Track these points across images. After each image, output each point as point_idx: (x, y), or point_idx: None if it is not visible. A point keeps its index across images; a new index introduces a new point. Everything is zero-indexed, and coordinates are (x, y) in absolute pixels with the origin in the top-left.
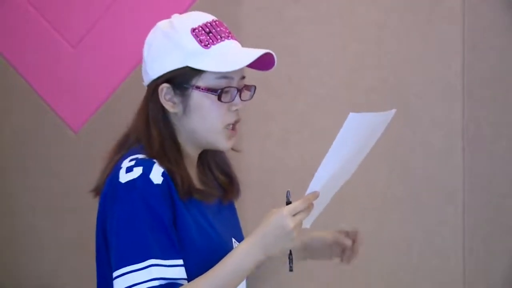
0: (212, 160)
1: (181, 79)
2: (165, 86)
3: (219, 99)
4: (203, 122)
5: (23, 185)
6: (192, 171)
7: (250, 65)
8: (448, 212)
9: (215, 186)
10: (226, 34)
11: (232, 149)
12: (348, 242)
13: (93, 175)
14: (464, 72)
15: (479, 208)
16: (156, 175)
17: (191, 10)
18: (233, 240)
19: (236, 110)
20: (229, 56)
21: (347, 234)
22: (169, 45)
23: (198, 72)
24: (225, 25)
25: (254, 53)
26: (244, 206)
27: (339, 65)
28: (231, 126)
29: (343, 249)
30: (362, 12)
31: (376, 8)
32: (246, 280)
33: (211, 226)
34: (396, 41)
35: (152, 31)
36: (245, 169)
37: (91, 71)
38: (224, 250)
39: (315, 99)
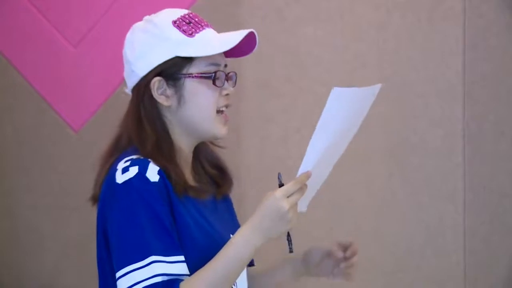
0: (202, 157)
1: (172, 69)
2: (157, 80)
3: (214, 83)
4: (198, 110)
5: (23, 184)
6: (187, 169)
7: (233, 53)
8: (449, 211)
9: (208, 182)
10: (205, 23)
11: (223, 147)
12: (339, 254)
13: (94, 174)
14: (465, 71)
15: (479, 208)
16: (152, 173)
17: (191, 10)
18: (231, 235)
19: (227, 94)
20: (215, 41)
21: (340, 246)
22: (154, 40)
23: (188, 60)
24: (200, 16)
25: (240, 33)
26: (245, 206)
27: (340, 64)
28: (222, 110)
29: (337, 262)
30: (362, 12)
31: (376, 8)
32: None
33: (208, 223)
34: (396, 41)
35: (129, 33)
36: (245, 169)
37: (92, 71)
38: (221, 244)
39: (315, 98)
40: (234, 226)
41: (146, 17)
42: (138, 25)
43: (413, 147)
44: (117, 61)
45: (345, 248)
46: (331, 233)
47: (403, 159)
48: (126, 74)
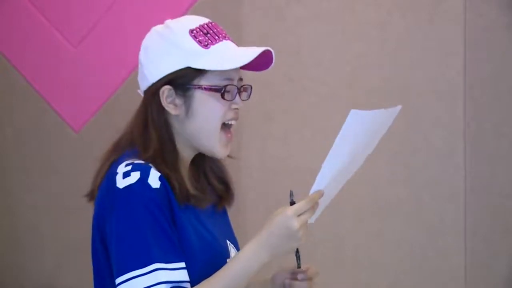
0: (208, 167)
1: (183, 80)
2: (166, 88)
3: (223, 97)
4: (204, 124)
5: (24, 184)
6: (186, 177)
7: (248, 67)
8: (449, 212)
9: (208, 191)
10: (223, 35)
11: (229, 156)
12: (299, 277)
13: (94, 174)
14: (465, 71)
15: (480, 208)
16: (154, 179)
17: (192, 10)
18: (228, 242)
19: (236, 109)
20: (230, 55)
21: (298, 271)
22: (168, 46)
23: (200, 72)
24: (220, 27)
25: (255, 50)
26: (246, 206)
27: (341, 64)
28: (229, 124)
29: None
30: (363, 12)
31: (377, 8)
32: None
33: (207, 230)
34: (397, 41)
35: (148, 35)
36: (246, 169)
37: (92, 71)
38: (220, 252)
39: (316, 98)
40: (231, 236)
41: (167, 21)
42: (156, 28)
43: (414, 147)
44: (117, 62)
45: (303, 272)
46: (333, 233)
47: (404, 159)
48: (139, 76)
